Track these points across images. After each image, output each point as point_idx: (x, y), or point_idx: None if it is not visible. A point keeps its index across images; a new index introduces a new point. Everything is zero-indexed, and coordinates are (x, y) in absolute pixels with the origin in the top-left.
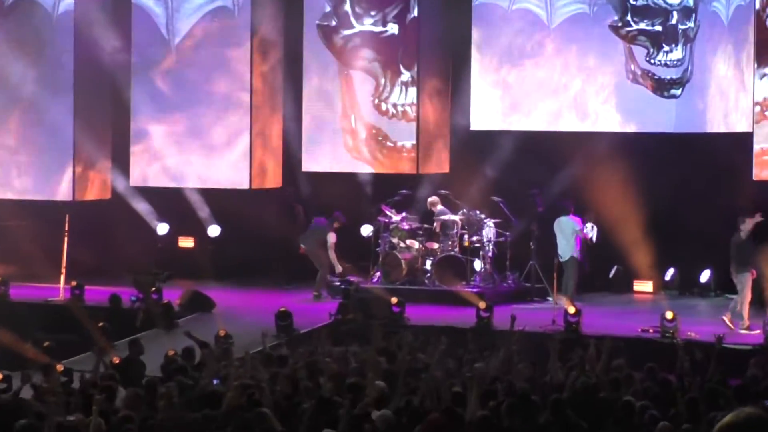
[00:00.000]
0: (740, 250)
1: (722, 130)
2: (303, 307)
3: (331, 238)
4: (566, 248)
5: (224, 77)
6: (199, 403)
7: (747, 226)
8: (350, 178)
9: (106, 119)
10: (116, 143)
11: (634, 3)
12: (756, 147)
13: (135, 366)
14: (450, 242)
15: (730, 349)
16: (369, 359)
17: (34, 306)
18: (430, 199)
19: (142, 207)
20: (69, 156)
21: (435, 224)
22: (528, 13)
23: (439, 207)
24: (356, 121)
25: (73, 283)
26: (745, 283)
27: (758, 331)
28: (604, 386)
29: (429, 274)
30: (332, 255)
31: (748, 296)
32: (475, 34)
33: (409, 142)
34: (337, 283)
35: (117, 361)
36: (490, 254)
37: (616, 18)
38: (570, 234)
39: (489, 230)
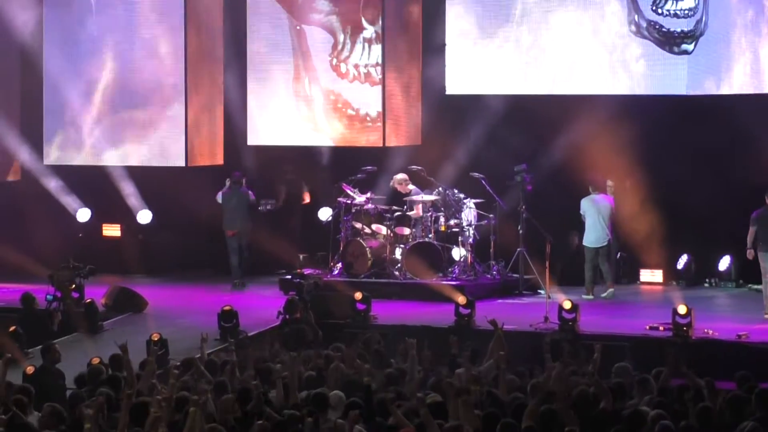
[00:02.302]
0: None
1: (744, 91)
2: (252, 304)
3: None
4: (603, 232)
5: (153, 35)
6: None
7: None
8: (305, 152)
9: (13, 90)
10: (26, 116)
11: None
12: None
13: (52, 376)
14: (423, 227)
15: (756, 348)
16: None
17: None
18: (398, 177)
19: (58, 189)
20: None
21: (406, 206)
22: None
23: (410, 186)
24: (311, 85)
25: None
26: None
27: None
28: (605, 394)
29: (399, 265)
30: None
31: None
32: None
33: (373, 110)
34: (289, 277)
35: (31, 371)
36: (470, 240)
37: None
38: (607, 216)
39: (469, 212)
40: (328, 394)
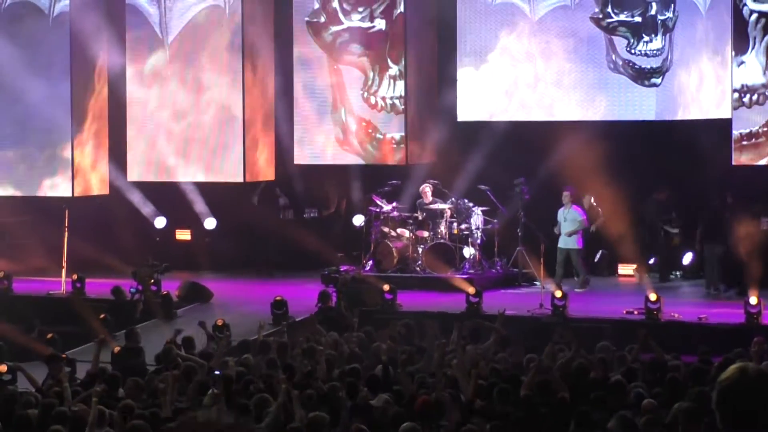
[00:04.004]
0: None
1: (701, 116)
2: (299, 295)
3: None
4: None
5: (217, 73)
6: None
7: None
8: (341, 169)
9: (102, 117)
10: (113, 141)
11: None
12: (735, 133)
13: (133, 354)
14: (439, 230)
15: (713, 328)
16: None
17: (36, 299)
18: (427, 186)
19: (139, 201)
20: (68, 153)
21: (424, 214)
22: (511, 6)
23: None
24: (346, 114)
25: (74, 276)
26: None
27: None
28: (595, 366)
29: (420, 262)
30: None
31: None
32: (460, 29)
33: (398, 134)
34: (326, 272)
35: (117, 351)
36: (478, 241)
37: (597, 10)
38: None
39: (477, 218)
40: (360, 370)
